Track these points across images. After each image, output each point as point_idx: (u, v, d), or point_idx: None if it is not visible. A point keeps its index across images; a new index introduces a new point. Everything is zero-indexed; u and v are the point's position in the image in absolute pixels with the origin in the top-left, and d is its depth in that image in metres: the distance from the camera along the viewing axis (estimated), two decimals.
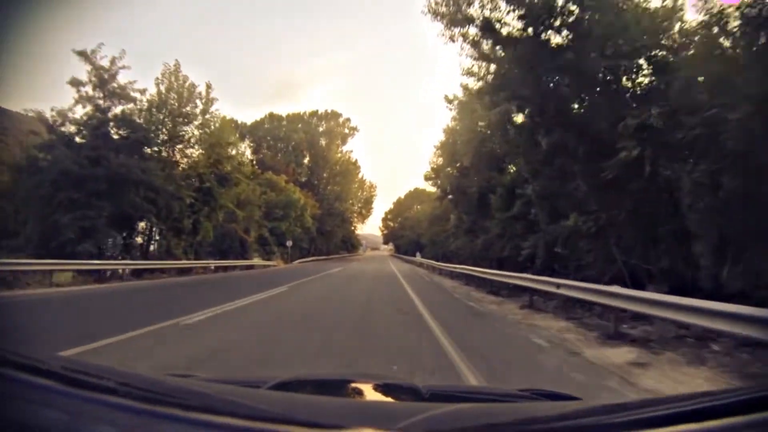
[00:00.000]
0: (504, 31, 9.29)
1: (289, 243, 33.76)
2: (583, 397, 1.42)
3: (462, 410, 1.00)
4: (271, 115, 59.12)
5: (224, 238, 25.89)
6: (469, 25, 9.71)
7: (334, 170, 54.52)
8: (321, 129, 57.72)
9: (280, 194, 35.61)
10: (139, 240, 20.47)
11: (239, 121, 60.65)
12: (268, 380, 1.28)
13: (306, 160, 54.52)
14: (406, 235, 68.46)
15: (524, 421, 0.84)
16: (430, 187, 29.15)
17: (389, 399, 1.47)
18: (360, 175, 59.30)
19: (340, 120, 57.95)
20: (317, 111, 56.87)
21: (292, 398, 1.10)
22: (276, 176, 37.85)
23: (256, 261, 27.50)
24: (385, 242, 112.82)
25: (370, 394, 1.49)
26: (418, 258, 35.07)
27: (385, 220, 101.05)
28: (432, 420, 0.83)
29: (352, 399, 1.39)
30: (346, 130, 58.38)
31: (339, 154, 57.60)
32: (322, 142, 56.45)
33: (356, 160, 59.33)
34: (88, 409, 0.70)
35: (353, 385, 1.56)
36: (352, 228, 71.76)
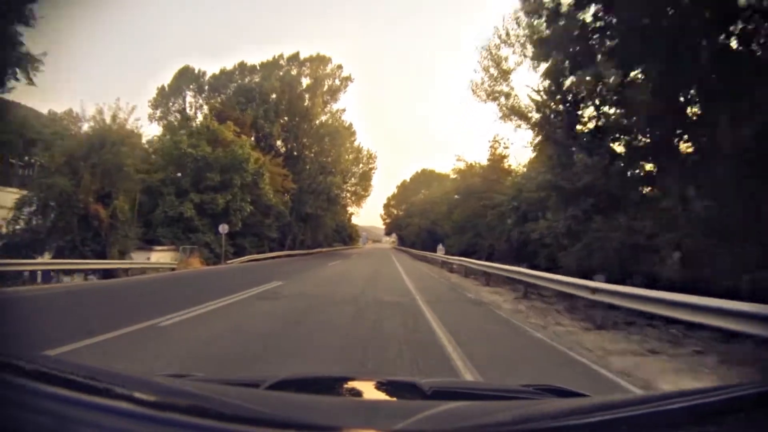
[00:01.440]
0: None
1: (223, 228, 19.94)
2: (591, 394, 1.31)
3: (464, 408, 0.96)
4: (242, 66, 45.18)
5: (46, 210, 12.07)
6: None
7: (320, 133, 40.47)
8: (305, 82, 43.59)
9: (221, 150, 21.78)
10: None
11: (197, 70, 47.24)
12: (266, 379, 1.22)
13: (283, 124, 40.67)
14: (414, 222, 54.57)
15: (529, 418, 0.80)
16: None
17: (390, 397, 1.40)
18: (356, 143, 44.85)
19: (329, 67, 43.82)
20: (298, 54, 42.70)
21: (290, 398, 1.04)
22: (218, 124, 24.00)
23: (115, 262, 13.46)
24: (387, 233, 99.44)
25: (372, 392, 1.41)
26: (441, 254, 21.22)
27: (387, 206, 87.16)
28: (433, 419, 0.79)
29: (352, 398, 1.31)
30: (338, 82, 44.26)
31: (327, 115, 43.51)
32: (306, 98, 42.36)
33: (351, 124, 45.07)
34: (74, 413, 0.63)
35: (354, 383, 1.47)
36: (349, 214, 57.64)
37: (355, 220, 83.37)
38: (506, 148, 25.05)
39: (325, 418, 0.79)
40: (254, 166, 22.57)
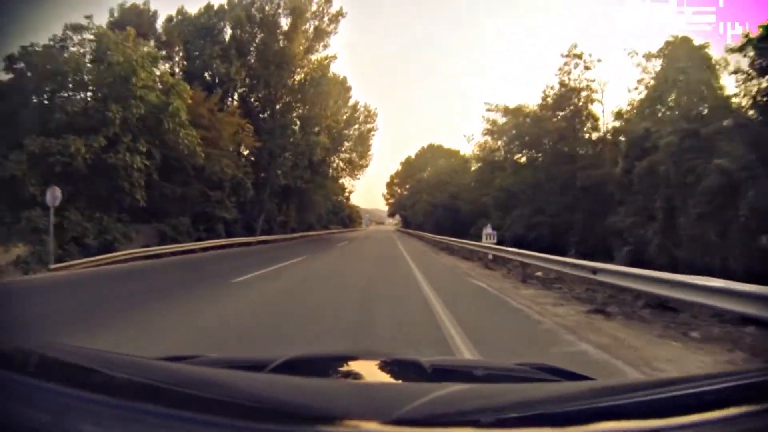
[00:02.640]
0: None
1: (52, 195, 10.07)
2: (596, 377, 1.33)
3: (467, 391, 0.97)
4: (208, 8, 34.88)
5: None
6: None
7: (302, 82, 30.61)
8: (284, 23, 33.23)
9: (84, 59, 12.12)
10: None
11: (151, 10, 36.86)
12: (274, 359, 1.24)
13: (251, 69, 30.89)
14: (423, 200, 45.09)
15: (533, 402, 0.80)
16: None
17: (392, 379, 1.42)
18: (351, 101, 34.70)
19: (314, 2, 33.57)
20: None
21: (293, 383, 1.03)
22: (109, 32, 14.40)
23: None
24: (391, 214, 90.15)
25: (375, 372, 1.44)
26: (490, 243, 11.75)
27: (390, 185, 77.34)
28: (434, 403, 0.78)
29: (355, 381, 1.31)
30: (326, 21, 34.02)
31: (313, 63, 33.37)
32: (283, 41, 32.19)
33: (344, 78, 34.83)
34: (72, 406, 0.64)
35: (359, 362, 1.52)
36: (348, 191, 47.02)
37: (358, 203, 74.02)
38: (587, 68, 15.44)
39: (327, 403, 0.79)
40: (154, 97, 12.56)
